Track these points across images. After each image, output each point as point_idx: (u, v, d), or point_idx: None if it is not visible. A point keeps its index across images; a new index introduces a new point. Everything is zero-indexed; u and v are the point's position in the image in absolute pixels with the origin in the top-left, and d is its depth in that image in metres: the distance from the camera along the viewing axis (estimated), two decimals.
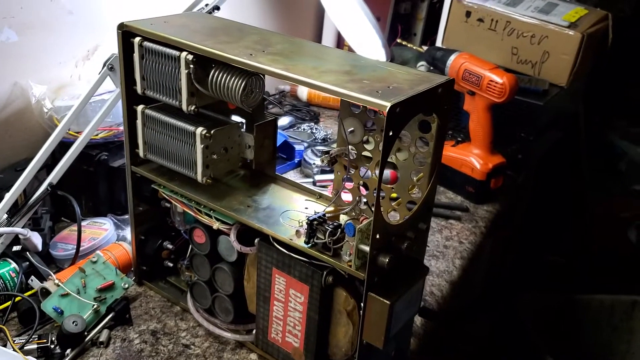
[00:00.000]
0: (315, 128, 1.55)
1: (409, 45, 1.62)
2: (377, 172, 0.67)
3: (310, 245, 0.74)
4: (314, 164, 1.37)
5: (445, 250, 1.15)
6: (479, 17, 1.55)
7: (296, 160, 1.41)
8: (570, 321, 1.79)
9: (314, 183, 1.33)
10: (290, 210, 0.82)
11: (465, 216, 1.26)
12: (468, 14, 1.57)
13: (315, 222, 0.74)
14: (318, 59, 0.75)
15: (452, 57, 1.29)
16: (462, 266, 1.12)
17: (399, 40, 1.69)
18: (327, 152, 0.81)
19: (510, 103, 1.24)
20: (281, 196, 0.87)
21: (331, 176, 1.33)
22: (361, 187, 0.83)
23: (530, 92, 1.40)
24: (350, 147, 0.81)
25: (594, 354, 1.78)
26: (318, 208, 0.83)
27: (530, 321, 1.63)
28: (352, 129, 0.80)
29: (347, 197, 0.85)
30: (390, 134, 0.63)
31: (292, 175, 1.37)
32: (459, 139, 1.36)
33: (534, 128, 1.39)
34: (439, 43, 1.66)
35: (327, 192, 0.89)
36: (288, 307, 0.80)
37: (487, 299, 1.64)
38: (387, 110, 0.61)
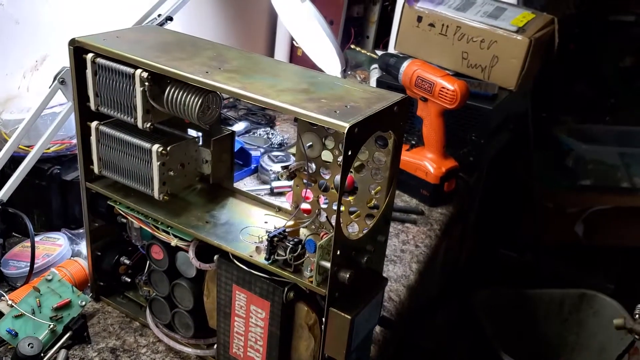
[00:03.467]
0: (272, 133, 1.55)
1: (362, 51, 1.63)
2: (336, 185, 0.68)
3: (270, 262, 0.75)
4: (271, 170, 1.37)
5: (402, 254, 1.17)
6: (430, 22, 1.58)
7: (253, 166, 1.41)
8: (523, 315, 1.86)
9: (272, 190, 1.33)
10: (250, 226, 0.82)
11: (420, 219, 1.29)
12: (419, 18, 1.60)
13: (276, 239, 0.75)
14: (275, 76, 0.76)
15: (405, 64, 1.31)
16: (418, 270, 1.15)
17: (352, 46, 1.71)
18: (286, 167, 0.81)
19: (461, 108, 1.27)
20: (240, 210, 0.87)
21: (289, 183, 1.33)
22: (320, 200, 0.84)
23: (480, 97, 1.44)
24: (308, 161, 0.82)
25: (546, 346, 1.85)
26: (277, 222, 0.83)
27: (484, 316, 1.68)
28: (311, 143, 0.81)
29: (307, 206, 0.86)
30: (349, 153, 0.64)
31: (249, 182, 1.37)
32: (413, 142, 1.39)
33: (484, 131, 1.43)
34: (391, 46, 1.68)
35: (287, 201, 0.89)
36: (249, 323, 0.80)
37: (443, 296, 1.68)
38: (345, 130, 0.62)
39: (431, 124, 1.29)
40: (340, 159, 0.77)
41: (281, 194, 1.32)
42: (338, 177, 0.74)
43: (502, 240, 2.23)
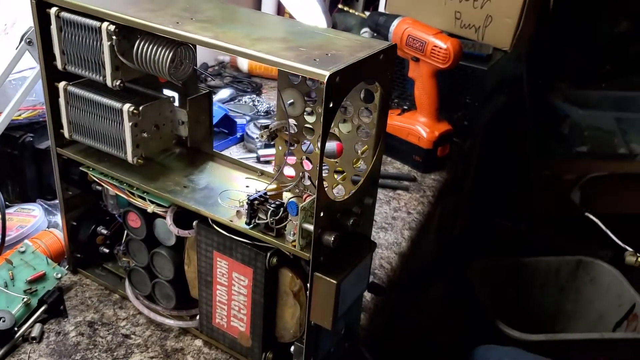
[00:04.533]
0: (258, 100, 1.50)
1: (351, 11, 1.57)
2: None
3: (251, 226, 0.70)
4: (257, 138, 1.32)
5: (394, 221, 1.13)
6: None
7: (238, 135, 1.36)
8: (519, 284, 1.83)
9: (258, 158, 1.28)
10: (230, 189, 0.77)
11: (413, 186, 1.24)
12: None
13: (256, 202, 0.70)
14: (251, 25, 0.70)
15: (395, 23, 1.26)
16: (410, 237, 1.10)
17: (340, 6, 1.64)
18: (266, 127, 0.76)
19: (455, 69, 1.21)
20: (220, 175, 0.82)
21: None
22: (304, 162, 0.79)
23: (474, 58, 1.38)
24: (290, 120, 0.77)
25: (543, 314, 1.83)
26: (259, 186, 0.79)
27: (480, 286, 1.65)
28: (292, 100, 0.76)
29: (290, 172, 0.81)
30: (331, 105, 0.60)
31: (235, 151, 1.32)
32: (405, 107, 1.34)
33: (479, 93, 1.38)
34: (382, 8, 1.62)
35: (270, 169, 0.84)
36: (232, 291, 0.76)
37: (437, 266, 1.65)
38: (325, 79, 0.57)
39: (423, 85, 1.23)
40: None
41: (268, 162, 1.27)
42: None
43: (497, 209, 2.19)
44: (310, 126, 0.77)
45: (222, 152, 0.96)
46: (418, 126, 1.27)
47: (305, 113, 0.76)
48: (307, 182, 0.79)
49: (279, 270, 0.73)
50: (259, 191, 0.72)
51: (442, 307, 1.72)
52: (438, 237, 1.58)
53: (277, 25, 0.72)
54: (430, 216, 1.20)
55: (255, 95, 1.53)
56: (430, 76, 1.22)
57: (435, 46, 1.18)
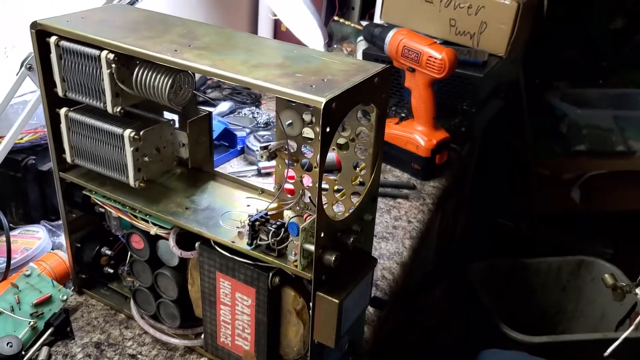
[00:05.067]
0: (257, 112, 1.51)
1: (346, 22, 1.58)
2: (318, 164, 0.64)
3: (253, 247, 0.72)
4: (257, 150, 1.33)
5: (395, 231, 1.14)
6: None
7: (239, 147, 1.37)
8: (521, 285, 1.84)
9: (259, 170, 1.29)
10: (231, 210, 0.79)
11: (412, 194, 1.26)
12: None
13: (257, 223, 0.71)
14: (248, 51, 0.71)
15: (391, 34, 1.27)
16: (412, 246, 1.12)
17: (336, 18, 1.66)
18: (265, 147, 0.77)
19: (451, 77, 1.23)
20: (221, 194, 0.83)
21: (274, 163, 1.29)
22: (304, 180, 0.81)
23: (470, 65, 1.39)
24: (289, 140, 0.78)
25: (545, 315, 1.84)
26: (260, 205, 0.80)
27: (481, 288, 1.66)
28: (290, 121, 0.77)
29: (291, 186, 0.82)
30: (328, 130, 0.61)
31: (236, 163, 1.33)
32: (402, 115, 1.35)
33: (475, 100, 1.39)
34: (377, 17, 1.63)
35: (270, 183, 0.85)
36: (235, 311, 0.77)
37: (439, 270, 1.66)
38: (322, 106, 0.58)
39: (420, 95, 1.24)
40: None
41: (269, 174, 1.28)
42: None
43: (497, 210, 2.20)
44: (310, 145, 0.78)
45: (224, 165, 0.97)
46: (416, 135, 1.28)
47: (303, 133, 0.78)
48: (307, 200, 0.80)
49: (281, 290, 0.74)
50: (259, 212, 0.73)
51: (444, 310, 1.73)
52: (439, 242, 1.59)
53: (274, 50, 0.73)
54: (431, 223, 1.21)
55: (254, 107, 1.54)
56: (426, 86, 1.23)
57: (430, 57, 1.19)
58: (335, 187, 0.79)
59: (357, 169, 0.76)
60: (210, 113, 0.85)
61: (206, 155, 0.87)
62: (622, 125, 2.38)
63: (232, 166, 1.32)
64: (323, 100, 0.58)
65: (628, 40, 2.92)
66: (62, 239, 1.03)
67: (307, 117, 0.76)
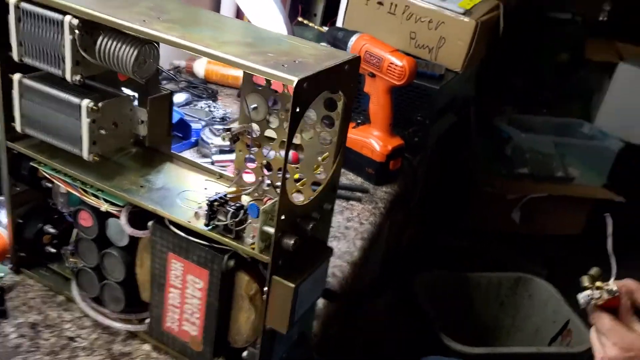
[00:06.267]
0: (214, 106, 1.49)
1: (310, 24, 1.59)
2: (282, 151, 0.64)
3: (210, 227, 0.70)
4: (212, 143, 1.31)
5: (347, 231, 1.15)
6: (378, 0, 1.56)
7: (193, 139, 1.35)
8: (463, 298, 1.87)
9: (212, 164, 1.27)
10: (188, 190, 0.77)
11: (365, 197, 1.26)
12: None
13: (216, 203, 0.70)
14: (217, 29, 0.71)
15: (354, 39, 1.28)
16: (362, 247, 1.12)
17: (300, 19, 1.67)
18: (228, 129, 0.76)
19: (408, 86, 1.25)
20: (178, 176, 0.81)
21: (231, 156, 1.28)
22: (264, 167, 0.80)
23: (427, 77, 1.43)
24: (253, 124, 0.77)
25: (484, 328, 1.88)
26: (218, 188, 0.79)
27: (425, 299, 1.68)
28: (256, 105, 0.76)
29: (248, 177, 0.81)
30: (297, 110, 0.60)
31: (189, 155, 1.28)
32: (359, 121, 1.36)
33: (430, 112, 1.42)
34: (339, 24, 1.65)
35: (228, 172, 0.84)
36: (185, 294, 0.75)
37: (385, 278, 1.67)
38: (294, 85, 0.58)
39: (378, 100, 1.26)
40: (286, 123, 0.73)
41: (222, 167, 1.26)
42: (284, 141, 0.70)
43: (442, 225, 2.25)
44: (272, 133, 0.77)
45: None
46: (372, 139, 1.29)
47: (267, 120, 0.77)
48: (266, 187, 0.79)
49: (235, 274, 0.73)
50: (218, 193, 0.72)
51: (388, 318, 1.75)
52: (387, 248, 1.61)
53: (243, 30, 0.72)
54: (381, 227, 1.22)
55: (211, 101, 1.52)
56: (385, 92, 1.25)
57: (391, 63, 1.21)
58: (297, 176, 0.79)
59: (320, 158, 0.76)
60: (171, 92, 0.83)
61: (164, 136, 0.85)
62: (563, 152, 2.48)
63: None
64: (296, 79, 0.58)
65: (570, 74, 3.07)
66: (2, 216, 0.98)
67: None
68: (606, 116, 2.72)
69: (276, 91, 0.75)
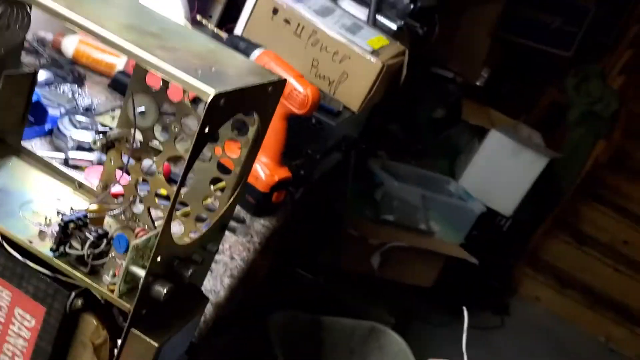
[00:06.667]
0: (79, 93, 1.29)
1: (209, 25, 1.45)
2: (173, 170, 0.51)
3: (58, 255, 0.54)
4: (70, 136, 1.11)
5: (215, 265, 1.01)
6: (286, 17, 1.46)
7: (47, 127, 1.14)
8: (315, 341, 1.80)
9: (67, 160, 1.08)
10: (35, 200, 0.60)
11: (240, 228, 1.14)
12: (275, 11, 1.47)
13: (72, 225, 0.54)
14: (109, 5, 0.56)
15: (257, 52, 1.17)
16: (230, 286, 0.99)
17: (198, 17, 1.51)
18: (103, 133, 0.61)
19: (305, 117, 1.16)
20: (24, 177, 0.64)
21: (91, 156, 1.09)
22: (140, 184, 0.65)
23: (325, 110, 1.35)
24: (137, 131, 0.62)
25: None
26: (75, 202, 0.63)
27: (277, 339, 1.58)
28: (144, 108, 0.62)
29: (119, 189, 0.66)
30: (206, 130, 0.48)
31: (39, 145, 1.10)
32: None
33: (322, 147, 1.34)
34: (238, 32, 1.53)
35: (86, 179, 0.68)
36: (8, 332, 0.58)
37: (241, 314, 1.55)
38: (209, 99, 0.45)
39: (274, 125, 1.14)
40: (180, 137, 0.60)
41: (78, 167, 1.07)
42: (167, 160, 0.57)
43: (302, 260, 2.18)
44: (158, 145, 0.63)
45: (24, 142, 0.76)
46: (258, 166, 1.17)
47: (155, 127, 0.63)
48: (139, 210, 0.65)
49: (80, 315, 0.57)
50: (77, 211, 0.57)
51: (239, 355, 1.62)
52: (245, 283, 1.49)
53: (140, 12, 0.58)
54: (254, 264, 1.10)
55: (76, 87, 1.31)
56: (282, 118, 1.14)
57: (294, 89, 1.11)
58: (162, 192, 0.65)
59: (213, 186, 0.63)
60: (36, 72, 0.66)
61: (16, 124, 0.67)
62: (428, 205, 2.54)
63: (33, 146, 1.09)
64: (212, 92, 0.46)
65: (443, 130, 3.20)
66: None
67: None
68: (471, 177, 2.85)
69: (171, 100, 0.62)
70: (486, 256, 2.55)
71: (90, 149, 1.10)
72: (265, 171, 1.17)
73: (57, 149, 1.12)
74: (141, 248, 0.52)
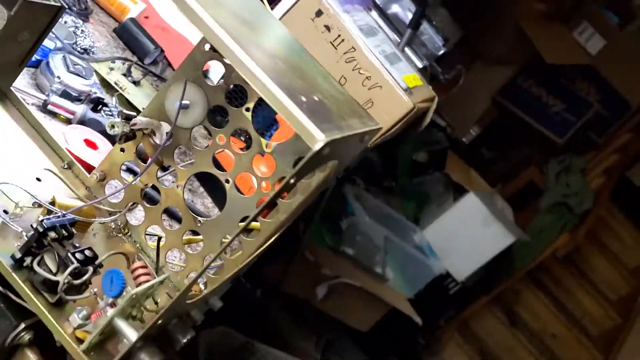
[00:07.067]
0: (82, 30, 1.11)
1: None
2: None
3: (18, 266, 0.39)
4: (57, 77, 0.94)
5: None
6: (328, 24, 1.32)
7: (35, 57, 0.96)
8: None
9: (45, 104, 0.90)
10: (8, 171, 0.44)
11: None
12: (319, 13, 1.32)
13: (52, 235, 0.39)
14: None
15: None
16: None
17: None
18: (128, 119, 0.45)
19: None
20: (3, 135, 0.48)
21: (73, 107, 0.92)
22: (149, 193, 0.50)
23: None
24: (166, 125, 0.47)
25: None
26: (58, 188, 0.47)
27: (207, 356, 1.43)
28: (189, 103, 0.47)
29: (109, 190, 0.51)
30: (292, 181, 0.34)
31: (20, 79, 0.92)
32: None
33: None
34: None
35: (65, 139, 0.52)
36: None
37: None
38: (317, 147, 0.31)
39: None
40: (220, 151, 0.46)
41: (56, 115, 0.90)
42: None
43: (251, 275, 2.03)
44: (190, 152, 0.48)
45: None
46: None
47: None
48: (135, 221, 0.50)
49: (21, 349, 0.42)
50: (59, 214, 0.41)
51: None
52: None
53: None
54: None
55: (80, 21, 1.14)
56: None
57: None
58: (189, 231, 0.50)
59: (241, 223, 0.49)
60: (61, 9, 0.50)
61: (14, 64, 0.51)
62: (388, 248, 2.43)
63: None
64: (323, 140, 0.31)
65: (420, 175, 3.12)
66: None
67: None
68: (436, 232, 2.76)
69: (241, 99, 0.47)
70: (424, 313, 2.47)
71: (78, 99, 0.93)
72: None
73: (40, 87, 0.94)
74: (139, 297, 0.38)
